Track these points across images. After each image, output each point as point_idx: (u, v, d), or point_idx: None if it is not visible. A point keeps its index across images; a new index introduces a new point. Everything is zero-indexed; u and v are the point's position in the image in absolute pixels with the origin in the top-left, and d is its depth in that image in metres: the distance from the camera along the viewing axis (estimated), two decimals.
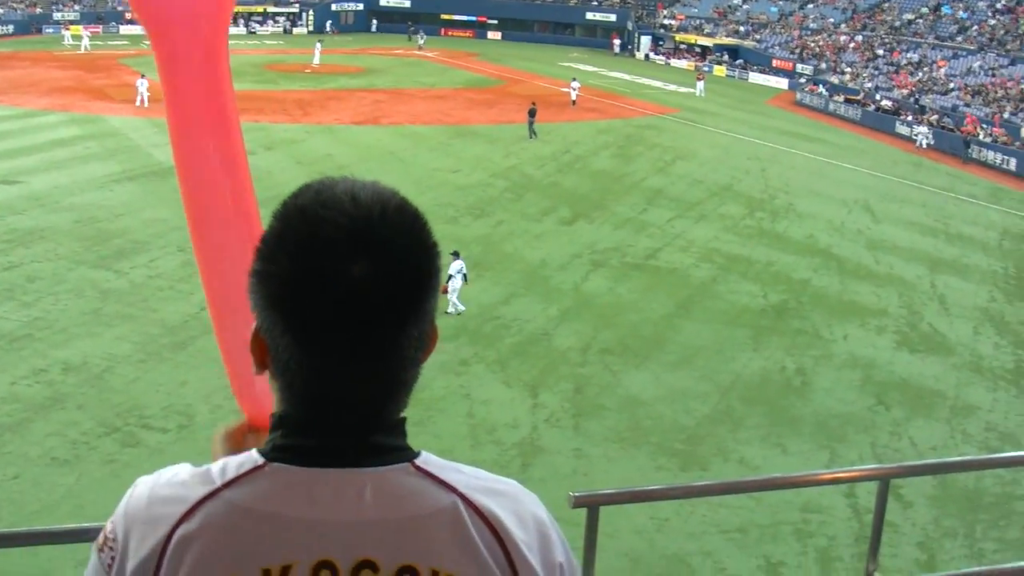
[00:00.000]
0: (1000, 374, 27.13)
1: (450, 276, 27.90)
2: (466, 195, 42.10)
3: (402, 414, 2.09)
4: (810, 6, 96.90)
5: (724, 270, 34.48)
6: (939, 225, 42.72)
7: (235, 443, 2.59)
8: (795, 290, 32.82)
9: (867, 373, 26.49)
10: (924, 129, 58.68)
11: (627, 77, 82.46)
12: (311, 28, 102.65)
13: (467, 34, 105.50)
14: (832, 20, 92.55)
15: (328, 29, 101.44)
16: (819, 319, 30.24)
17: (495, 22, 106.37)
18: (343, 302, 1.92)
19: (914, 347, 28.60)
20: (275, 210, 2.03)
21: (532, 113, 54.17)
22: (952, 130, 60.71)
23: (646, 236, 37.77)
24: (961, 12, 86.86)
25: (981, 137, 58.61)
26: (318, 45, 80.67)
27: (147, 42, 3.08)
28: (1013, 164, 55.06)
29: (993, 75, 72.00)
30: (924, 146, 58.53)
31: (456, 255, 28.33)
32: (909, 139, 62.04)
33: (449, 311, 27.86)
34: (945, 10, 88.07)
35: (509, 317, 28.41)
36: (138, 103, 56.67)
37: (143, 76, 57.32)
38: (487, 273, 30.56)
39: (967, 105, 66.32)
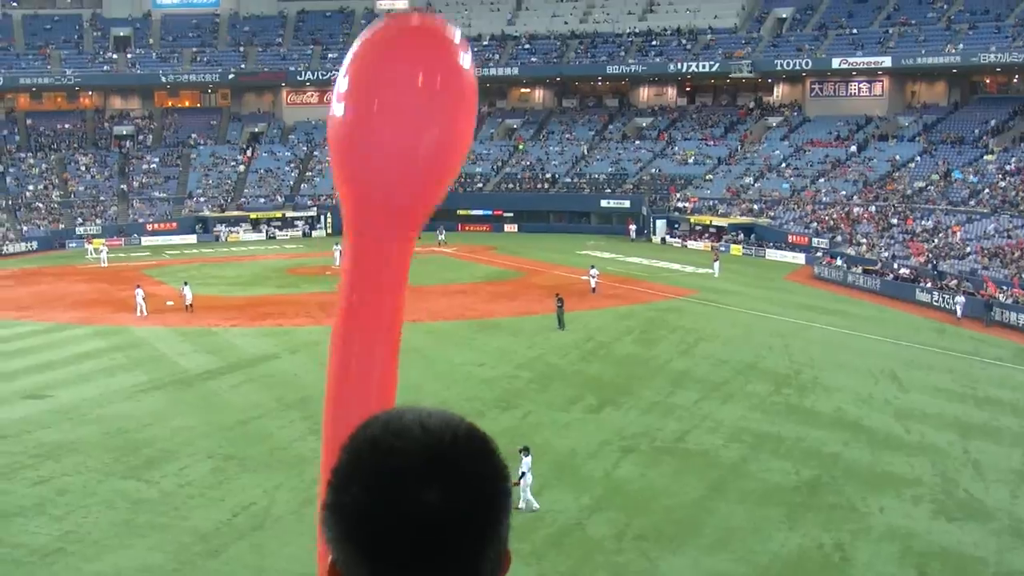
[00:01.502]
0: None
1: (523, 473, 28.05)
2: (492, 388, 42.24)
3: None
4: (821, 180, 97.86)
5: (754, 449, 34.39)
6: (967, 390, 42.61)
7: None
8: (827, 465, 32.68)
9: (906, 544, 26.29)
10: (961, 299, 58.43)
11: (645, 261, 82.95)
12: (330, 230, 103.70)
13: (484, 228, 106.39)
14: (844, 193, 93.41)
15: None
16: (853, 492, 30.07)
17: (511, 215, 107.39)
18: (420, 530, 1.92)
19: (951, 515, 28.40)
20: (343, 444, 2.06)
21: (560, 303, 54.45)
22: (973, 294, 60.88)
23: (674, 419, 37.75)
24: (972, 176, 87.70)
25: (1002, 299, 58.74)
26: (336, 248, 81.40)
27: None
28: None
29: (1009, 237, 72.39)
30: (961, 316, 58.16)
31: (526, 451, 28.45)
32: (931, 306, 62.22)
33: (520, 507, 27.84)
34: (955, 175, 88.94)
35: (542, 509, 28.28)
36: (137, 313, 57.69)
37: (139, 286, 58.75)
38: (517, 466, 30.56)
39: (985, 268, 66.57)
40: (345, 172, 3.02)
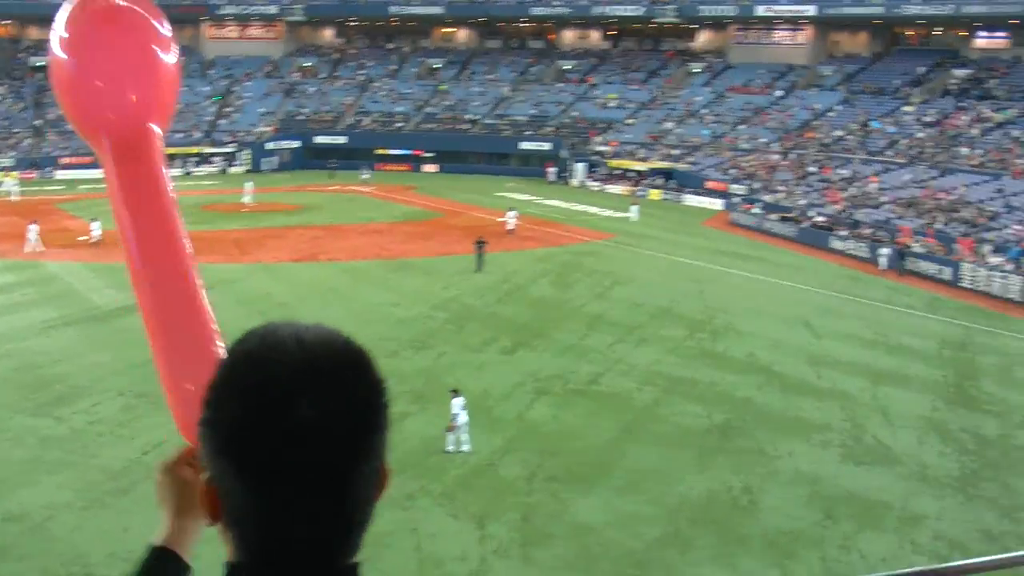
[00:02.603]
0: (946, 482, 27.22)
1: (454, 415, 28.04)
2: (407, 328, 42.06)
3: (355, 558, 2.06)
4: (741, 127, 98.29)
5: (667, 392, 34.53)
6: (879, 337, 43.00)
7: (178, 477, 2.58)
8: (738, 409, 32.87)
9: (814, 488, 26.50)
10: (887, 250, 58.62)
11: (563, 204, 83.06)
12: (249, 167, 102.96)
13: (404, 168, 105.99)
14: (764, 140, 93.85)
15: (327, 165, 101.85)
16: (763, 437, 30.28)
17: (431, 155, 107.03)
18: (293, 444, 1.90)
19: (859, 460, 28.67)
20: (220, 358, 2.03)
21: (481, 245, 54.30)
22: (883, 242, 61.35)
23: (588, 362, 37.80)
24: (890, 127, 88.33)
25: (916, 248, 59.23)
26: (248, 185, 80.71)
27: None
28: (948, 273, 55.66)
29: (924, 187, 73.01)
30: (885, 267, 58.42)
31: (456, 392, 28.41)
32: (845, 254, 62.75)
33: (449, 449, 27.86)
34: (874, 125, 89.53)
35: (453, 450, 28.23)
36: (26, 249, 56.92)
37: (34, 221, 58.01)
38: (430, 406, 30.42)
39: (900, 218, 67.09)
40: (76, 111, 3.39)
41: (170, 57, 3.43)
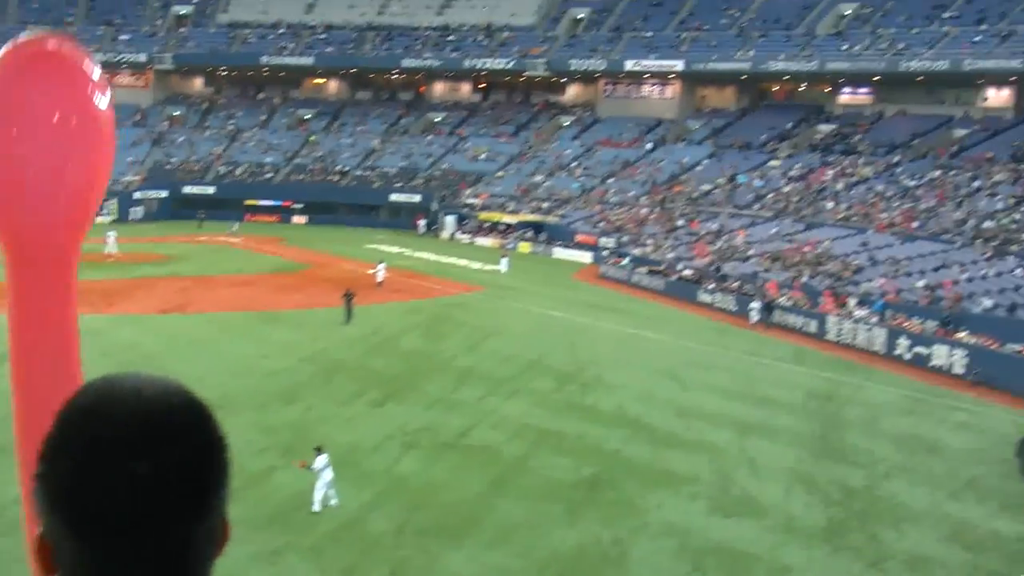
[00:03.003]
0: (813, 533, 27.47)
1: (319, 471, 27.65)
2: (276, 381, 41.65)
3: None
4: (611, 180, 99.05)
5: (536, 445, 34.51)
6: (746, 389, 43.42)
7: None
8: (608, 461, 32.94)
9: (683, 540, 26.61)
10: (757, 304, 59.12)
11: (433, 257, 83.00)
12: (115, 217, 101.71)
13: (273, 219, 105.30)
14: (633, 193, 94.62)
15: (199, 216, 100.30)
16: (633, 489, 30.36)
17: (300, 206, 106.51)
18: (126, 499, 1.85)
19: (728, 511, 28.85)
20: (58, 411, 1.96)
21: (349, 297, 53.94)
22: (754, 296, 62.07)
23: (458, 415, 37.69)
24: (756, 181, 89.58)
25: (782, 301, 59.98)
26: (110, 234, 79.36)
27: None
28: (814, 326, 56.43)
29: (790, 240, 74.09)
30: (755, 321, 58.61)
31: (319, 450, 28.07)
32: (713, 307, 63.39)
33: (315, 509, 27.44)
34: (741, 179, 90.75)
35: (332, 503, 27.93)
36: None
37: None
38: (299, 459, 30.16)
39: (767, 271, 67.98)
40: None
41: (105, 106, 3.19)
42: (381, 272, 65.50)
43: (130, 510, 1.85)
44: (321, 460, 27.78)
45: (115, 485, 1.85)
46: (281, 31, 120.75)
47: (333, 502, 27.77)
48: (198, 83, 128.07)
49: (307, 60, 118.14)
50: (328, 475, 27.77)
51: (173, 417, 1.94)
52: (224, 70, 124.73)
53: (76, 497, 1.87)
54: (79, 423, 1.92)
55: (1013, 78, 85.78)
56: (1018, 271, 58.38)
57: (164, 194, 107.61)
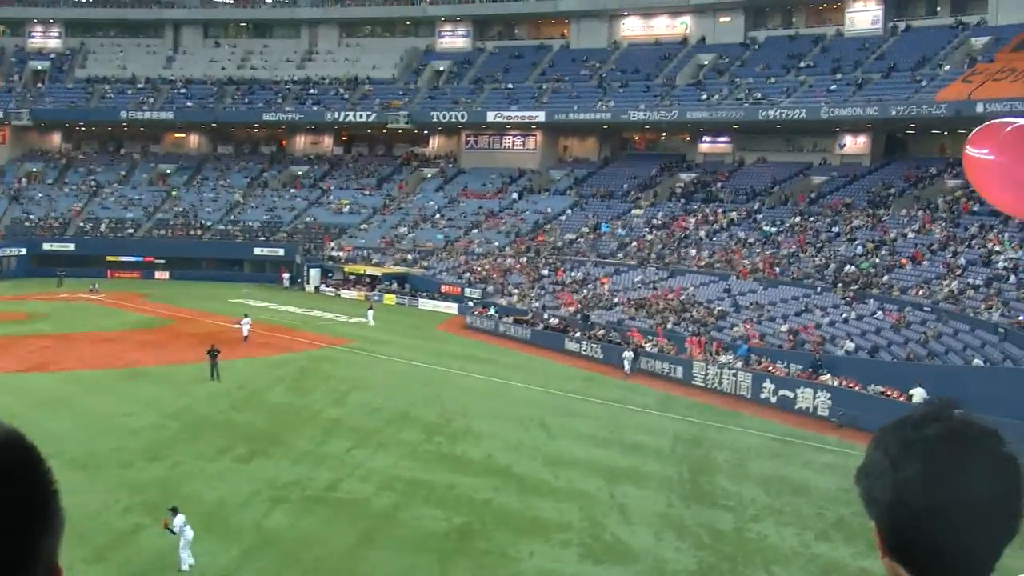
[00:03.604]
0: None
1: (180, 530, 27.11)
2: (140, 438, 41.05)
3: None
4: (475, 231, 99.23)
5: (406, 496, 34.37)
6: (614, 436, 43.62)
7: None
8: (478, 511, 32.87)
9: None
10: (629, 354, 59.16)
11: (298, 310, 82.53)
12: None
13: (135, 275, 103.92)
14: (497, 244, 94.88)
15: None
16: (504, 538, 30.29)
17: (163, 261, 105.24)
18: None
19: (599, 558, 28.89)
20: None
21: (213, 355, 53.26)
22: (620, 344, 62.48)
23: (326, 468, 37.42)
24: (620, 229, 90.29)
25: (648, 348, 60.39)
26: None
27: None
28: (680, 372, 56.90)
29: (655, 288, 74.73)
30: (629, 371, 58.48)
31: (175, 510, 27.54)
32: (579, 355, 63.69)
33: (184, 568, 26.88)
34: (604, 228, 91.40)
35: (191, 562, 27.49)
36: None
37: None
38: (163, 516, 29.67)
39: (632, 318, 68.47)
40: None
41: None
42: (246, 327, 64.96)
43: None
44: (179, 520, 27.31)
45: None
46: (140, 86, 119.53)
47: (185, 565, 27.13)
48: (56, 139, 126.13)
49: (167, 115, 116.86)
50: (189, 534, 27.28)
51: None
52: (83, 125, 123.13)
53: None
54: None
55: (868, 125, 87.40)
56: (879, 314, 59.35)
57: (23, 251, 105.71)
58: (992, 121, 5.40)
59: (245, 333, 64.66)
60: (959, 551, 2.23)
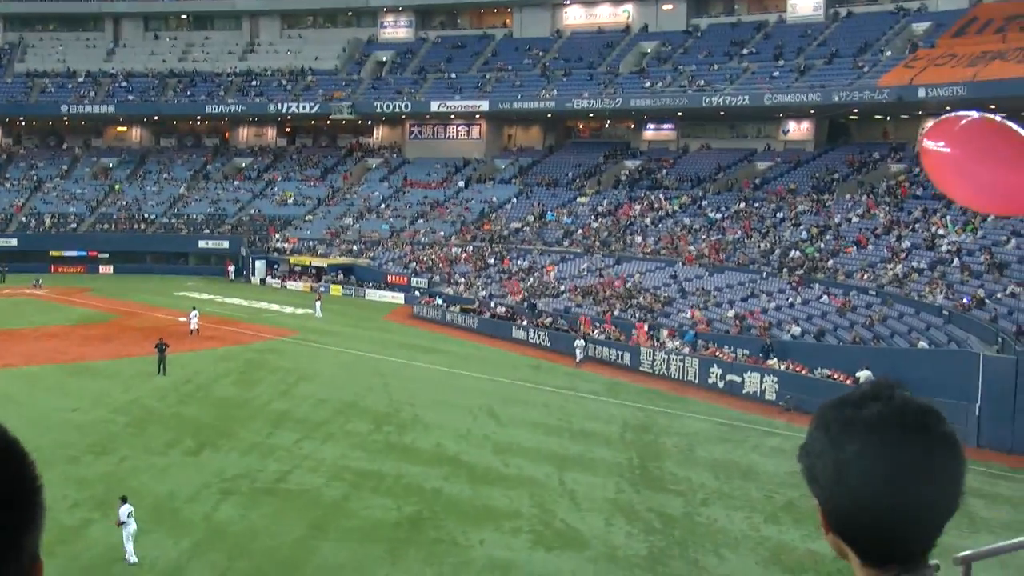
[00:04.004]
0: (635, 562, 27.69)
1: (122, 522, 26.92)
2: (86, 433, 40.78)
3: None
4: (420, 221, 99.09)
5: (355, 487, 34.33)
6: (562, 423, 43.75)
7: None
8: (428, 500, 32.86)
9: None
10: (581, 342, 59.07)
11: (244, 303, 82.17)
12: None
13: (78, 269, 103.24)
14: (443, 233, 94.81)
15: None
16: (454, 527, 30.30)
17: (106, 255, 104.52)
18: None
19: (550, 545, 28.95)
20: None
21: (161, 348, 52.90)
22: (567, 331, 62.61)
23: (274, 460, 37.31)
24: (565, 217, 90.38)
25: (595, 335, 60.53)
26: None
27: None
28: (627, 359, 57.07)
29: (601, 275, 74.89)
30: (581, 359, 58.41)
31: (124, 500, 27.41)
32: (527, 343, 63.78)
33: (132, 560, 26.73)
34: (550, 217, 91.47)
35: (139, 556, 27.29)
36: None
37: None
38: (112, 512, 29.47)
39: (579, 306, 68.61)
40: None
41: None
42: (194, 320, 64.68)
43: None
44: (124, 510, 27.15)
45: None
46: (81, 79, 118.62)
47: (132, 558, 26.97)
48: None
49: (108, 108, 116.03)
50: (132, 526, 27.11)
51: None
52: (23, 120, 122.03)
53: None
54: None
55: (812, 111, 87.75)
56: (824, 298, 59.71)
57: None
58: (948, 115, 5.51)
59: (193, 326, 64.39)
60: (900, 528, 2.28)
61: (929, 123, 5.46)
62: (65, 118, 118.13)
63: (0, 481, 1.87)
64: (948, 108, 51.31)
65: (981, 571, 3.43)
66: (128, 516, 27.10)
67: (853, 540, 2.33)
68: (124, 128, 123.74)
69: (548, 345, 62.71)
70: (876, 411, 2.28)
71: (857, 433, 2.26)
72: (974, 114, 5.44)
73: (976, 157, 5.21)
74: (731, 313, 60.46)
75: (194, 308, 67.04)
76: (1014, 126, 5.23)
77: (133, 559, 26.81)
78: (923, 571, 2.31)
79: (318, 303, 76.67)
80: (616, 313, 64.79)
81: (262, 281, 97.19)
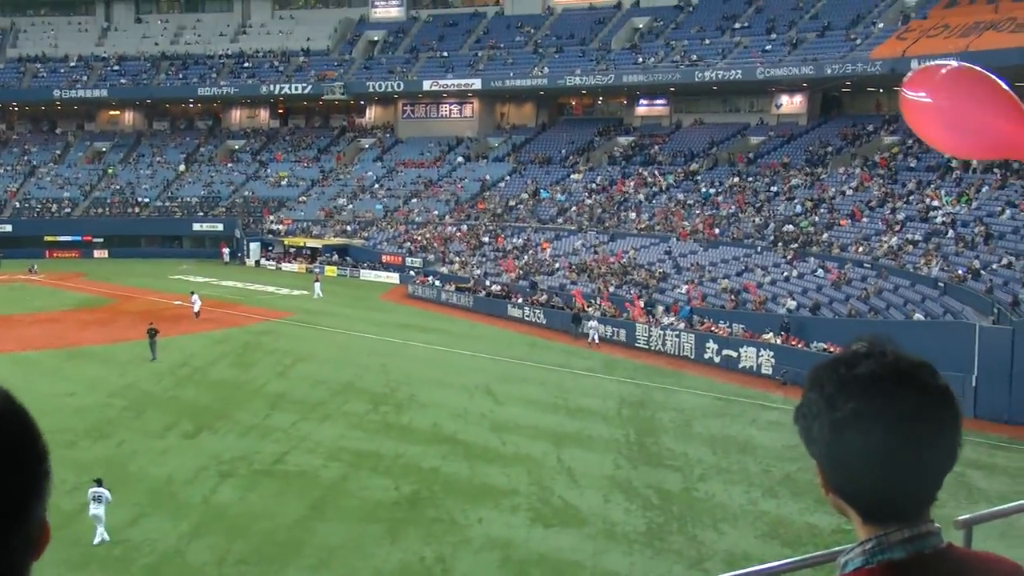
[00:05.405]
0: (634, 538, 27.69)
1: (89, 502, 26.98)
2: (84, 417, 40.74)
3: None
4: (414, 201, 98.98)
5: (353, 467, 34.33)
6: (559, 401, 43.75)
7: None
8: (426, 479, 32.87)
9: (505, 553, 26.64)
10: (595, 323, 58.30)
11: (239, 285, 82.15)
12: None
13: (73, 254, 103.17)
14: (436, 212, 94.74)
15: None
16: (453, 505, 30.31)
17: (101, 240, 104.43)
18: None
19: (548, 522, 28.95)
20: None
21: (152, 333, 52.81)
22: (563, 308, 62.59)
23: (272, 441, 37.32)
24: (559, 194, 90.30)
25: (591, 312, 60.48)
26: None
27: None
28: (624, 335, 57.04)
29: (596, 252, 74.85)
30: (596, 340, 57.28)
31: (99, 482, 27.40)
32: (523, 321, 63.76)
33: (96, 542, 26.79)
34: (543, 194, 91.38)
35: (139, 539, 27.41)
36: None
37: None
38: (112, 496, 29.47)
39: (574, 283, 68.58)
40: None
41: None
42: (197, 303, 64.55)
43: None
44: (92, 491, 27.14)
45: None
46: (73, 64, 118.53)
47: (98, 538, 27.06)
48: None
49: (101, 92, 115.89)
50: (93, 508, 27.07)
51: None
52: (15, 105, 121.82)
53: None
54: None
55: (804, 84, 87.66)
56: (819, 272, 59.71)
57: None
58: (927, 64, 5.49)
59: (196, 309, 64.31)
60: (899, 484, 2.28)
61: (908, 74, 5.39)
62: (58, 103, 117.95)
63: (8, 446, 1.90)
64: None
65: (981, 542, 3.43)
66: (93, 499, 27.08)
67: (853, 498, 2.33)
68: (117, 112, 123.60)
69: (544, 322, 62.68)
70: (870, 368, 2.28)
71: (852, 391, 2.26)
72: (953, 63, 5.44)
73: (960, 104, 5.22)
74: (726, 288, 60.43)
75: (193, 292, 67.03)
76: (991, 75, 5.23)
77: (98, 539, 26.83)
78: (924, 527, 2.31)
79: (317, 284, 76.65)
80: (612, 290, 64.75)
81: (257, 263, 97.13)
